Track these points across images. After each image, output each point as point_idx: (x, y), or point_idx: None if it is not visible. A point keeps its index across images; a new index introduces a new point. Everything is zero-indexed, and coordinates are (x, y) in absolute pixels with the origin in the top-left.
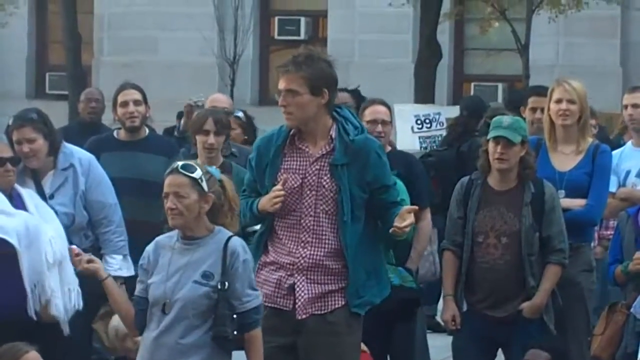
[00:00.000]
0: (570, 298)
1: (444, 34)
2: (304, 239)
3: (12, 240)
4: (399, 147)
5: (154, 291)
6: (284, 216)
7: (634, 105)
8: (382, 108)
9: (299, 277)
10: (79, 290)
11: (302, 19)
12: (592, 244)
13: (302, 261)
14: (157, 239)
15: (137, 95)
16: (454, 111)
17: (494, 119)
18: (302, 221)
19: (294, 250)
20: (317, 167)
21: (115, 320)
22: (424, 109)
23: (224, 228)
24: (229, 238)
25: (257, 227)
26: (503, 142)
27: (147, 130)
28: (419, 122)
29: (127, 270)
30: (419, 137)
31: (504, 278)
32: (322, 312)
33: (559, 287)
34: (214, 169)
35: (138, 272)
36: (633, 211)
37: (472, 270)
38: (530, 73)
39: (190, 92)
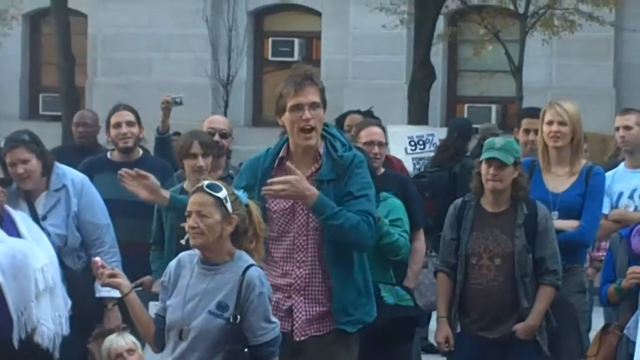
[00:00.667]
0: (564, 319)
1: (438, 56)
2: (298, 258)
3: None
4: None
5: (171, 315)
6: (277, 238)
7: (626, 127)
8: (377, 130)
9: (296, 298)
10: (67, 317)
11: (296, 40)
12: (585, 265)
13: (298, 281)
14: (180, 255)
15: (130, 117)
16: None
17: (487, 140)
18: (296, 241)
19: (289, 271)
20: None
21: (108, 341)
22: (417, 131)
23: (247, 254)
24: (248, 267)
25: None
26: (496, 163)
27: (141, 151)
28: (412, 143)
29: (120, 292)
30: (413, 159)
31: (497, 299)
32: (321, 333)
33: (552, 309)
34: (241, 192)
35: (160, 289)
36: (626, 232)
37: (466, 291)
38: (524, 94)
39: (184, 113)
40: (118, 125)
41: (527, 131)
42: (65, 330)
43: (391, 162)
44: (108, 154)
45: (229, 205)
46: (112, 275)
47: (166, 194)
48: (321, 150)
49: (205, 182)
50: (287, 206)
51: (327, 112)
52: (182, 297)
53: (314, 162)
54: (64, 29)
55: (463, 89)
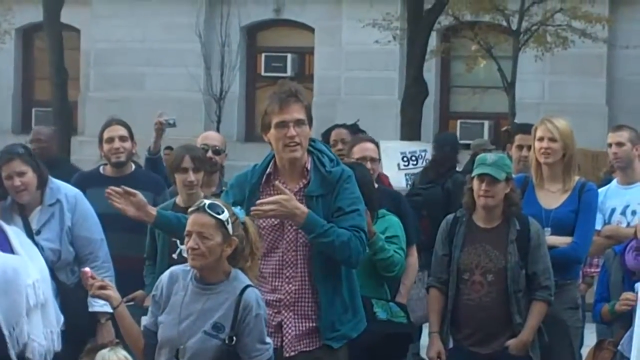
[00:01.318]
0: (556, 335)
1: (430, 72)
2: (288, 274)
3: None
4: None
5: (165, 332)
6: (266, 254)
7: (618, 144)
8: (370, 145)
9: (286, 314)
10: (59, 333)
11: (289, 56)
12: (578, 281)
13: (288, 297)
14: (172, 269)
15: (123, 131)
16: None
17: (479, 156)
18: (285, 257)
19: (279, 287)
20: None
21: (100, 356)
22: (410, 146)
23: (242, 272)
24: (245, 288)
25: None
26: (487, 179)
27: (134, 166)
28: (405, 159)
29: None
30: (405, 174)
31: (490, 315)
32: (311, 348)
33: (544, 324)
34: (238, 210)
35: (151, 302)
36: (620, 249)
37: (458, 307)
38: (517, 111)
39: (177, 128)
40: (111, 140)
41: (520, 147)
42: (57, 346)
43: (379, 178)
44: (101, 169)
45: (229, 227)
46: (102, 287)
47: (153, 211)
48: (308, 166)
49: (207, 202)
50: (276, 222)
51: (319, 127)
52: (176, 315)
53: (301, 178)
54: (57, 43)
55: (456, 104)
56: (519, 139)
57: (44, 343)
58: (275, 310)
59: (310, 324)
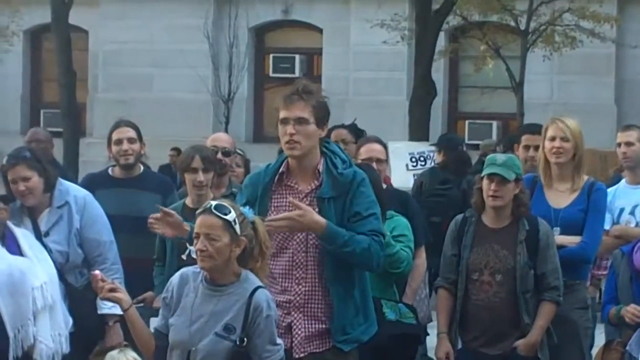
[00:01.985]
0: (565, 335)
1: (439, 72)
2: (297, 275)
3: None
4: (394, 184)
5: (176, 334)
6: (276, 255)
7: (627, 144)
8: (377, 146)
9: (295, 315)
10: (67, 335)
11: (297, 57)
12: (587, 282)
13: (297, 298)
14: (182, 271)
15: (132, 133)
16: None
17: (488, 156)
18: (295, 258)
19: (288, 288)
20: (307, 202)
21: (109, 357)
22: (418, 147)
23: (252, 273)
24: (255, 290)
25: None
26: (497, 179)
27: (142, 168)
28: (413, 159)
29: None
30: (414, 175)
31: (498, 315)
32: (320, 350)
33: (553, 325)
34: (247, 210)
35: (162, 304)
36: (627, 249)
37: (467, 307)
38: (525, 111)
39: (185, 129)
40: (119, 141)
41: (527, 147)
42: (65, 348)
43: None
44: (109, 170)
45: (237, 227)
46: (113, 290)
47: (187, 226)
48: (320, 168)
49: (213, 203)
50: None
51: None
52: (187, 317)
53: (313, 179)
54: (65, 45)
55: (464, 105)
56: (525, 139)
57: (51, 345)
58: (285, 312)
59: (320, 326)
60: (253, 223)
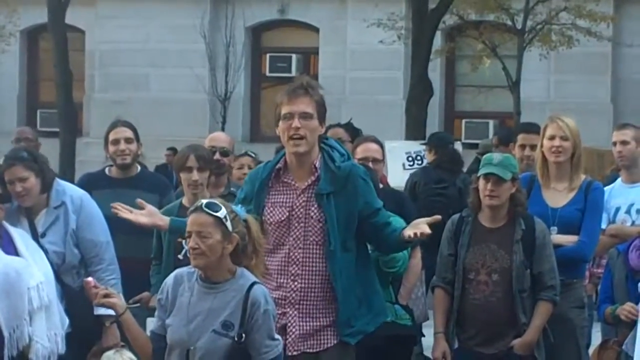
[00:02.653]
0: (562, 335)
1: (435, 71)
2: (293, 271)
3: None
4: (390, 184)
5: (173, 334)
6: (272, 250)
7: (623, 142)
8: (374, 146)
9: (290, 312)
10: (63, 335)
11: (294, 56)
12: (584, 281)
13: (293, 295)
14: (176, 271)
15: (129, 133)
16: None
17: (485, 156)
18: (291, 254)
19: (284, 284)
20: (304, 198)
21: (105, 358)
22: (415, 146)
23: (247, 270)
24: (251, 285)
25: None
26: (493, 179)
27: (139, 168)
28: (410, 159)
29: None
30: (410, 174)
31: (495, 315)
32: (315, 350)
33: (550, 324)
34: (239, 208)
35: (157, 306)
36: (623, 248)
37: (464, 307)
38: (522, 110)
39: (182, 129)
40: (116, 142)
41: (523, 146)
42: (61, 348)
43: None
44: (106, 170)
45: (228, 223)
46: (107, 295)
47: (165, 218)
48: (317, 163)
49: (204, 202)
50: (282, 218)
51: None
52: (184, 316)
53: (310, 175)
54: (62, 45)
55: (461, 104)
56: (521, 138)
57: (47, 345)
58: (280, 311)
59: (315, 324)
60: (245, 221)
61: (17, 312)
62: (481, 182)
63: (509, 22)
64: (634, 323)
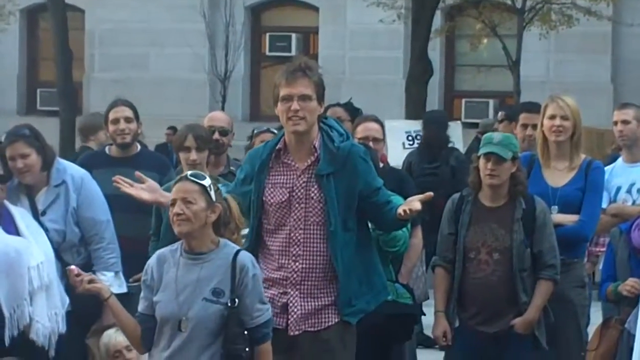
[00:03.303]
0: (563, 314)
1: (435, 51)
2: (294, 252)
3: None
4: (390, 163)
5: (163, 309)
6: (273, 231)
7: (624, 122)
8: (374, 125)
9: (292, 292)
10: (64, 314)
11: (293, 36)
12: (584, 260)
13: (294, 275)
14: (158, 252)
15: (129, 112)
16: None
17: (485, 135)
18: (292, 235)
19: (285, 265)
20: (305, 179)
21: (106, 337)
22: (415, 125)
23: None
24: (237, 252)
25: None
26: (494, 158)
27: (139, 147)
28: (410, 138)
29: (119, 287)
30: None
31: (495, 294)
32: (316, 329)
33: (550, 303)
34: (221, 185)
35: (142, 288)
36: (626, 227)
37: (464, 286)
38: (521, 89)
39: (181, 108)
40: (116, 121)
41: (524, 126)
42: (62, 327)
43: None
44: (106, 149)
45: (212, 193)
46: (91, 281)
47: (167, 195)
48: (316, 144)
49: (189, 172)
50: (283, 199)
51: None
52: (172, 290)
53: (309, 155)
54: (62, 24)
55: (460, 83)
56: (523, 117)
57: (47, 324)
58: (281, 291)
59: (316, 304)
60: (226, 200)
61: (18, 292)
62: (481, 162)
63: (509, 2)
64: (636, 301)
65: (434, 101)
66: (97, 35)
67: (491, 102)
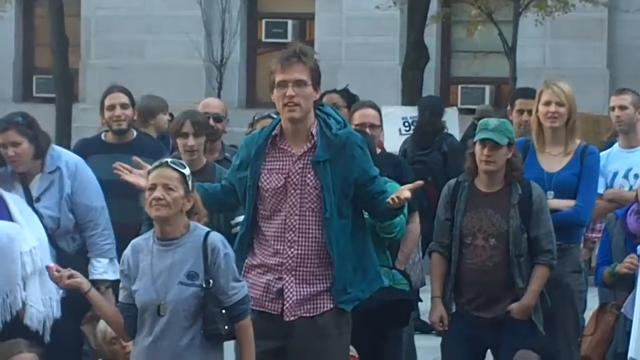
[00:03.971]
0: (559, 299)
1: (431, 37)
2: (290, 238)
3: None
4: (387, 149)
5: (142, 297)
6: (269, 217)
7: (621, 107)
8: (371, 111)
9: (287, 278)
10: (58, 299)
11: (290, 22)
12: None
13: (289, 261)
14: (133, 242)
15: (124, 99)
16: (444, 114)
17: (481, 121)
18: (288, 221)
19: (280, 251)
20: (301, 165)
21: (103, 323)
22: (411, 111)
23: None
24: (207, 234)
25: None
26: (490, 144)
27: (135, 133)
28: (406, 124)
29: (114, 274)
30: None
31: (492, 279)
32: (311, 314)
33: (547, 288)
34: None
35: (120, 278)
36: (621, 212)
37: (461, 271)
38: (518, 75)
39: (178, 94)
40: (112, 107)
41: (520, 111)
42: (57, 312)
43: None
44: (102, 136)
45: (190, 182)
46: (71, 276)
47: None
48: (313, 130)
49: (169, 159)
50: (279, 185)
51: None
52: (149, 277)
53: (306, 142)
54: (58, 10)
55: (457, 69)
56: (519, 103)
57: (42, 309)
58: (276, 276)
59: (312, 289)
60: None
61: (10, 277)
62: (477, 147)
63: None
64: (632, 286)
65: (430, 87)
66: (93, 21)
67: (487, 88)
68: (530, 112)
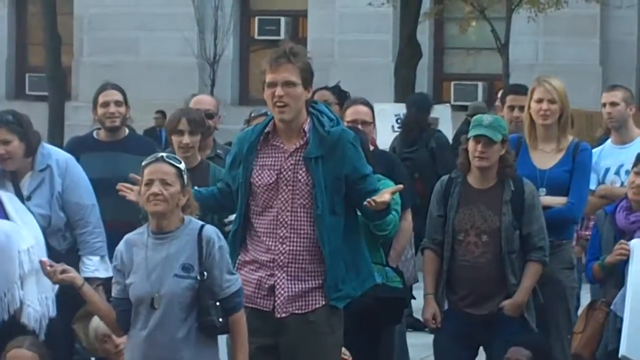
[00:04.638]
0: (552, 296)
1: (424, 34)
2: (282, 234)
3: None
4: (379, 146)
5: (137, 290)
6: (261, 213)
7: (612, 104)
8: (363, 108)
9: (279, 275)
10: (54, 298)
11: (282, 19)
12: (572, 242)
13: (281, 257)
14: (126, 237)
15: (118, 96)
16: (436, 110)
17: (475, 117)
18: (280, 217)
19: (272, 247)
20: (292, 161)
21: (95, 321)
22: (404, 108)
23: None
24: (202, 227)
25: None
26: (483, 140)
27: (127, 131)
28: (399, 121)
29: (105, 272)
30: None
31: (484, 276)
32: (303, 311)
33: (540, 285)
34: (215, 168)
35: (113, 273)
36: (611, 209)
37: (453, 268)
38: (510, 72)
39: (171, 92)
40: (106, 104)
41: (511, 108)
42: (52, 311)
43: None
44: (94, 134)
45: (185, 177)
46: (64, 271)
47: None
48: (306, 127)
49: (164, 154)
50: (271, 181)
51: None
52: (144, 270)
53: (298, 138)
54: (50, 8)
55: (449, 66)
56: (510, 99)
57: (38, 308)
58: (268, 273)
59: (303, 286)
60: None
61: (8, 276)
62: (471, 144)
63: None
64: (622, 282)
65: (423, 84)
66: (86, 19)
67: (480, 84)
68: (521, 108)
